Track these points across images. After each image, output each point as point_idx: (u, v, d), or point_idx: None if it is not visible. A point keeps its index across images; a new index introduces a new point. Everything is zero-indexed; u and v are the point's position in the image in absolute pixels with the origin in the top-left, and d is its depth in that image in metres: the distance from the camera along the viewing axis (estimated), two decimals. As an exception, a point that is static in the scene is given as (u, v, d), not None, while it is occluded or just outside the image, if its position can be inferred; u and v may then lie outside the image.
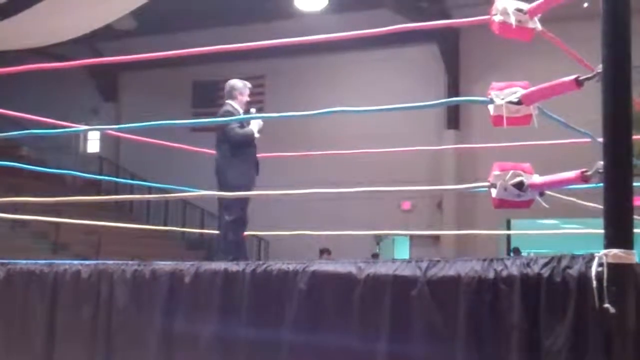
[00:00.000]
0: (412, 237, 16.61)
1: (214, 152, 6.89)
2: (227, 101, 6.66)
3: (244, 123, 6.47)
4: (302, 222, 12.28)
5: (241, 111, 6.64)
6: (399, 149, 9.25)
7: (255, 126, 6.54)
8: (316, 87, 17.67)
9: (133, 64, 16.47)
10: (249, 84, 6.77)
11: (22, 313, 4.24)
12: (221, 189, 6.37)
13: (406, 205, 16.85)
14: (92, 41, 17.19)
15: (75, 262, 4.31)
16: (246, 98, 6.70)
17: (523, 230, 14.52)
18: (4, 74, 4.69)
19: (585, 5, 11.48)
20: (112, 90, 21.03)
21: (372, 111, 3.66)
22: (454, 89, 16.59)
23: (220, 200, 6.50)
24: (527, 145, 6.40)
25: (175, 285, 3.67)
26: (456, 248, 15.68)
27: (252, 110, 6.76)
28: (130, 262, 4.19)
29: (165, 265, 3.83)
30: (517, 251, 15.39)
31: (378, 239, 16.55)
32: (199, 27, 17.20)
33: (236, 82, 6.71)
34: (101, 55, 17.36)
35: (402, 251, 17.21)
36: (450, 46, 16.78)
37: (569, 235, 9.24)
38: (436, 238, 16.33)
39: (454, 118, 16.74)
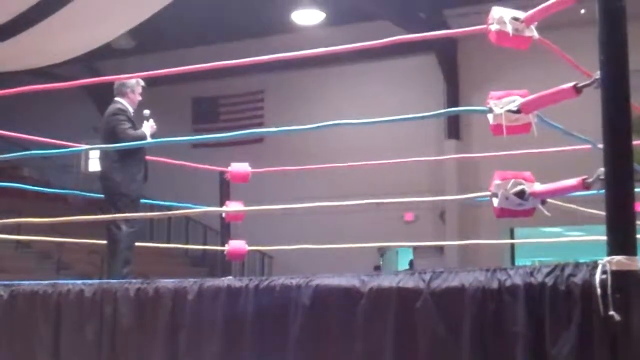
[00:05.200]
0: (415, 248, 16.57)
1: (215, 168, 6.84)
2: (116, 98, 6.28)
3: (135, 124, 6.13)
4: (305, 236, 12.25)
5: (131, 110, 6.29)
6: (399, 160, 9.23)
7: (147, 129, 6.20)
8: (315, 101, 17.70)
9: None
10: (142, 82, 6.36)
11: (26, 334, 4.23)
12: (109, 196, 5.98)
13: (409, 216, 16.83)
14: (91, 60, 17.24)
15: (79, 281, 4.30)
16: (138, 97, 6.33)
17: (527, 238, 14.49)
18: (3, 95, 4.71)
19: (582, 11, 11.51)
20: (112, 109, 21.07)
21: (372, 123, 3.68)
22: (453, 98, 16.60)
23: (114, 209, 5.94)
24: (528, 153, 6.40)
25: (179, 302, 3.66)
26: (460, 258, 15.64)
27: (146, 112, 6.34)
28: (133, 280, 4.19)
29: (168, 282, 3.83)
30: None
31: (381, 251, 16.51)
32: (196, 44, 17.26)
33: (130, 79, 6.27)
34: (100, 74, 17.41)
35: (406, 262, 17.17)
36: (448, 56, 16.82)
37: (573, 243, 9.21)
38: (440, 249, 16.30)
39: (454, 128, 16.74)
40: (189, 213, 5.68)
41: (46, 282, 4.39)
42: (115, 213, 5.86)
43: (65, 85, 5.28)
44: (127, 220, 5.86)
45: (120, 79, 5.10)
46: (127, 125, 6.06)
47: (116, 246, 5.95)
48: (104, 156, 6.10)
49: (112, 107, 6.22)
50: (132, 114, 6.21)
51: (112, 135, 5.96)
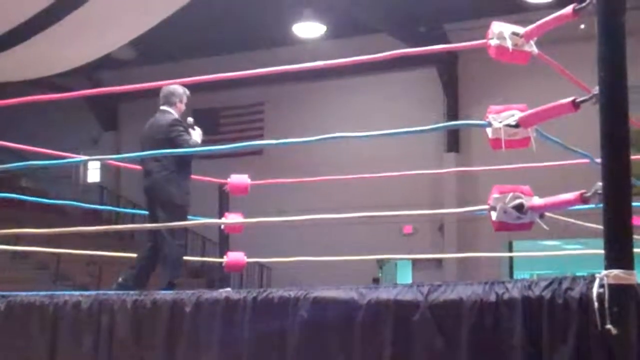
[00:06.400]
0: (414, 261, 16.57)
1: (215, 180, 6.81)
2: (164, 107, 6.02)
3: (189, 131, 5.94)
4: (304, 247, 12.26)
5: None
6: (399, 173, 9.25)
7: (198, 137, 6.04)
8: (316, 113, 17.73)
9: (132, 94, 16.53)
10: (187, 92, 6.14)
11: (22, 345, 4.22)
12: (161, 209, 5.82)
13: (408, 229, 16.83)
14: (91, 71, 17.30)
15: (76, 293, 4.29)
16: (184, 107, 6.12)
17: (525, 251, 14.49)
18: (3, 105, 4.72)
19: (582, 27, 11.56)
20: (112, 120, 21.10)
21: (372, 136, 3.67)
22: (453, 112, 16.65)
23: (159, 221, 5.77)
24: (528, 167, 6.40)
25: (176, 314, 3.66)
26: (459, 271, 15.63)
27: (190, 119, 6.13)
28: (131, 292, 4.18)
29: (166, 294, 3.82)
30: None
31: (380, 264, 16.51)
32: (197, 56, 17.32)
33: (176, 88, 6.02)
34: (100, 85, 17.48)
35: (405, 275, 17.15)
36: (449, 70, 16.87)
37: (571, 256, 9.21)
38: (438, 261, 16.29)
39: (453, 141, 16.78)
40: (188, 225, 5.64)
41: (43, 293, 4.39)
42: (163, 229, 5.71)
43: (66, 96, 5.28)
44: (172, 234, 5.77)
45: (121, 90, 5.08)
46: (188, 135, 5.87)
47: (165, 257, 5.84)
48: (157, 167, 5.84)
49: (165, 117, 5.96)
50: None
51: (171, 145, 5.71)
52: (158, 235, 5.86)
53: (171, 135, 5.80)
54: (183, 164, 5.90)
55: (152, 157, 5.76)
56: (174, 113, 6.01)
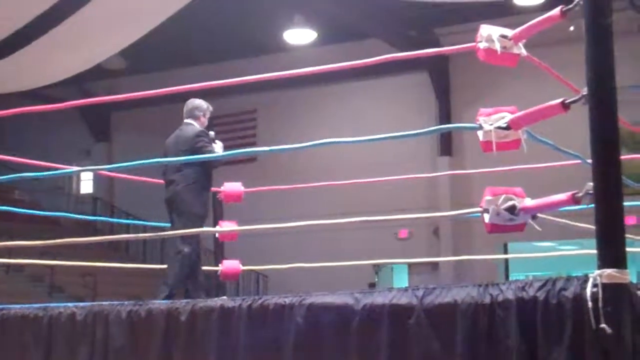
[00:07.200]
0: (410, 264, 16.56)
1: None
2: (188, 120, 6.20)
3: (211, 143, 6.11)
4: (300, 254, 12.24)
5: None
6: (393, 177, 9.27)
7: (220, 150, 6.20)
8: (308, 119, 17.74)
9: (124, 103, 16.53)
10: (210, 107, 6.34)
11: (18, 358, 4.20)
12: (178, 217, 5.92)
13: (403, 233, 16.83)
14: (83, 82, 17.27)
15: (70, 304, 4.28)
16: (206, 122, 6.28)
17: (520, 253, 14.50)
18: (-5, 118, 4.71)
19: (572, 29, 11.59)
20: (104, 130, 21.05)
21: (364, 141, 3.68)
22: (445, 115, 16.67)
23: (174, 229, 5.90)
24: (520, 169, 6.42)
25: (171, 323, 3.65)
26: (454, 274, 15.64)
27: (211, 133, 6.28)
28: (126, 302, 4.17)
29: (161, 303, 3.81)
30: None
31: (376, 268, 16.49)
32: (188, 64, 17.32)
33: (200, 102, 6.27)
34: (92, 96, 17.43)
35: (401, 279, 17.15)
36: (440, 73, 16.90)
37: (566, 257, 9.23)
38: (434, 265, 16.29)
39: (447, 145, 16.79)
40: (182, 233, 5.63)
41: (37, 305, 4.37)
42: (182, 236, 5.78)
43: (57, 106, 5.27)
44: (185, 241, 5.85)
45: (112, 100, 5.08)
46: (212, 147, 6.03)
47: (174, 265, 5.91)
48: (181, 177, 5.94)
49: (191, 129, 6.12)
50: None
51: (192, 155, 5.85)
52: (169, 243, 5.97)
53: (197, 146, 5.96)
54: (205, 174, 6.05)
55: (175, 168, 5.94)
56: (197, 126, 6.18)
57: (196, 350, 3.56)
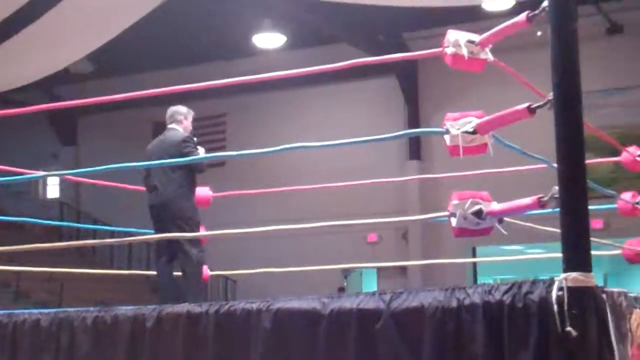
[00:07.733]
0: (379, 269, 16.59)
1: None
2: (172, 126, 6.22)
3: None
4: (269, 259, 12.21)
5: None
6: (362, 182, 9.31)
7: (203, 154, 6.29)
8: (278, 124, 17.71)
9: (91, 107, 16.37)
10: (192, 111, 6.38)
11: (-20, 366, 4.13)
12: (173, 223, 5.88)
13: (372, 237, 16.86)
14: (50, 86, 17.06)
15: (35, 311, 4.21)
16: (190, 126, 6.31)
17: (488, 257, 14.61)
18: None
19: (539, 34, 11.72)
20: (71, 135, 20.82)
21: (333, 145, 3.68)
22: (414, 120, 16.73)
23: (181, 233, 5.91)
24: (487, 173, 6.47)
25: (138, 330, 3.61)
26: (423, 278, 15.69)
27: (194, 139, 6.30)
28: (91, 308, 4.11)
29: (127, 310, 3.77)
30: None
31: (346, 273, 16.50)
32: (157, 68, 17.19)
33: (180, 107, 6.30)
34: (59, 100, 17.20)
35: (370, 283, 17.17)
36: (408, 78, 16.97)
37: (534, 261, 9.31)
38: (403, 269, 16.34)
39: (415, 149, 16.86)
40: (150, 239, 5.58)
41: (2, 312, 4.29)
42: (183, 239, 5.84)
43: (24, 110, 5.21)
44: (193, 244, 5.88)
45: (79, 104, 5.02)
46: (198, 152, 6.07)
47: (192, 270, 5.95)
48: (168, 182, 5.97)
49: (176, 134, 6.15)
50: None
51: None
52: (177, 249, 5.95)
53: (184, 151, 5.97)
54: (192, 179, 6.11)
55: (161, 172, 5.97)
56: (182, 130, 6.22)
57: (163, 357, 3.52)
